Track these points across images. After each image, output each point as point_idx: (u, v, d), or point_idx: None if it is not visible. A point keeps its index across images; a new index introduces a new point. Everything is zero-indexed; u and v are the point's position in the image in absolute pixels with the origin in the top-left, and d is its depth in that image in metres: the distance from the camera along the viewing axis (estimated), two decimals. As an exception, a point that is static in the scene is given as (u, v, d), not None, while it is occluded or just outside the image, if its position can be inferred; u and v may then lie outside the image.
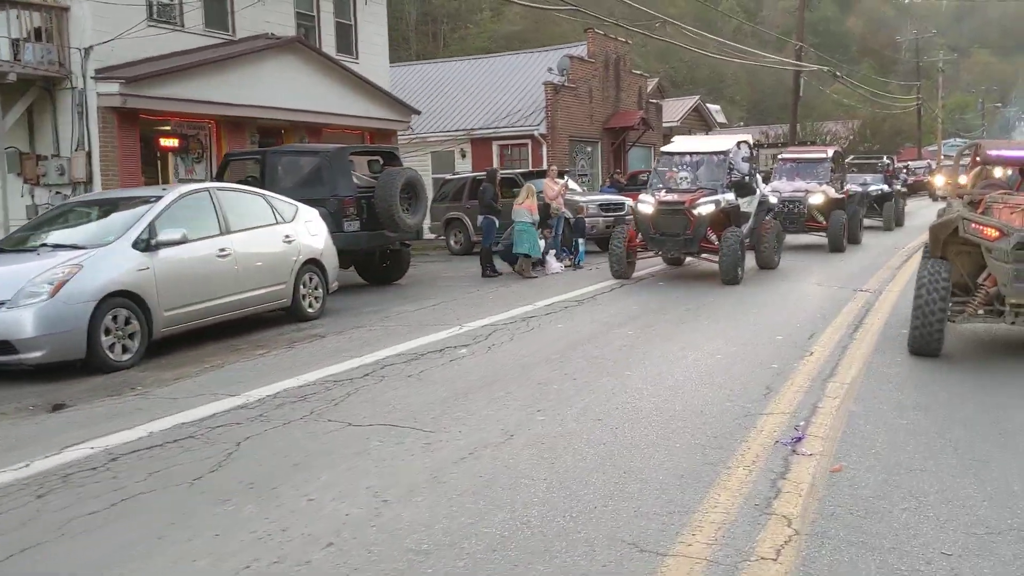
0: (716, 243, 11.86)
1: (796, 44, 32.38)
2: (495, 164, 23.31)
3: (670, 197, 11.91)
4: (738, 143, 13.17)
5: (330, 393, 6.20)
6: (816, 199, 16.48)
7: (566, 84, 23.04)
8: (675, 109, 35.74)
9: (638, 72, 28.17)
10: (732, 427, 5.29)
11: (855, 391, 6.19)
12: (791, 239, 17.68)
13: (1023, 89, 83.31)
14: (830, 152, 18.14)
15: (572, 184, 19.00)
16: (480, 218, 14.36)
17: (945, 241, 7.04)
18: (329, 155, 12.27)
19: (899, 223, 22.47)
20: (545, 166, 21.41)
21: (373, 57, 19.79)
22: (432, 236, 20.43)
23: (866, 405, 5.79)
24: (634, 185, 21.14)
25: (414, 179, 12.59)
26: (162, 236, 8.09)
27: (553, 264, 14.05)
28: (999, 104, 79.50)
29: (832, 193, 16.73)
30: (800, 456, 4.79)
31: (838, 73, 36.41)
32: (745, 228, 12.46)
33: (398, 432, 5.21)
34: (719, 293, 11.02)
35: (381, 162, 13.35)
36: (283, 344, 8.52)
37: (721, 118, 46.28)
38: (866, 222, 22.11)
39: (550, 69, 22.93)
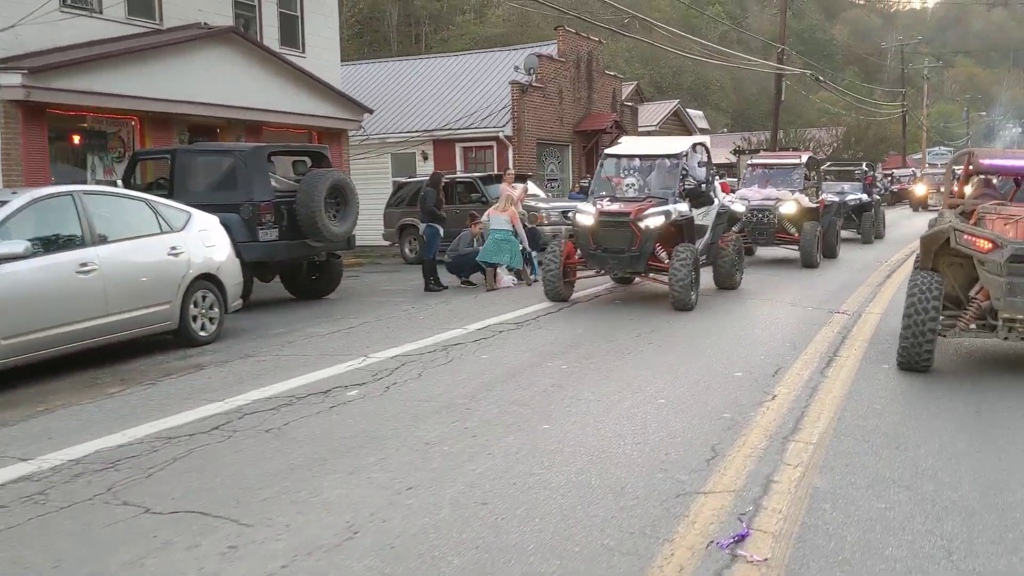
0: (667, 261, 10.26)
1: (778, 47, 31.28)
2: (459, 167, 22.02)
3: (613, 207, 10.30)
4: (693, 145, 11.59)
5: (152, 457, 4.84)
6: (787, 208, 14.99)
7: (534, 84, 21.75)
8: (653, 113, 34.55)
9: (612, 73, 26.90)
10: (657, 515, 4.00)
11: (822, 454, 4.91)
12: (762, 252, 16.44)
13: (1007, 98, 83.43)
14: (804, 158, 16.58)
15: (535, 189, 17.70)
16: (422, 226, 13.02)
17: (936, 253, 6.77)
18: (244, 155, 10.90)
19: (879, 235, 21.08)
20: (512, 169, 20.22)
21: (322, 51, 18.43)
22: (387, 243, 19.11)
23: (835, 479, 4.51)
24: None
25: (342, 182, 11.24)
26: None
27: (504, 278, 12.73)
28: (983, 113, 79.31)
29: (805, 202, 15.24)
30: (742, 564, 3.51)
31: (820, 78, 35.34)
32: (701, 243, 10.91)
33: (204, 525, 3.86)
34: (674, 317, 9.71)
35: (309, 163, 11.98)
36: (152, 377, 7.16)
37: (703, 123, 45.17)
38: (843, 234, 20.94)
39: (517, 68, 21.62)
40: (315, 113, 17.45)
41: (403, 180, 18.94)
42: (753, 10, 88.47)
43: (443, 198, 13.35)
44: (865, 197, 20.56)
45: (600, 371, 7.00)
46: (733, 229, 12.32)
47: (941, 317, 6.61)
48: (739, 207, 14.65)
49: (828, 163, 25.86)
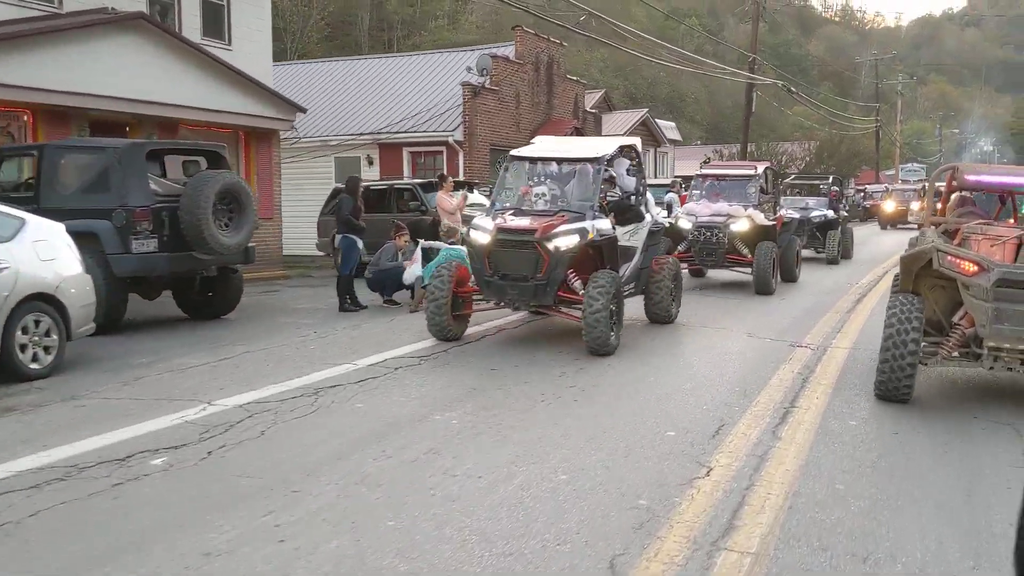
0: (581, 292, 8.12)
1: (750, 56, 30.22)
2: (406, 173, 20.56)
3: (515, 223, 8.10)
4: (621, 148, 9.45)
5: None
6: (739, 226, 12.99)
7: (487, 86, 20.35)
8: (620, 122, 33.31)
9: (574, 78, 25.59)
10: None
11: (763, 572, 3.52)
12: (715, 274, 14.83)
13: (978, 115, 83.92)
14: (760, 168, 14.45)
15: (479, 198, 16.26)
16: (337, 237, 11.51)
17: (918, 274, 6.36)
18: (119, 152, 9.36)
19: (846, 255, 19.40)
20: (462, 176, 18.84)
21: (251, 45, 16.92)
22: (322, 254, 17.57)
23: (774, 627, 3.11)
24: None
25: (234, 186, 9.74)
26: None
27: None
28: (956, 130, 79.61)
29: (760, 219, 13.24)
30: None
31: (792, 89, 34.35)
32: (628, 268, 9.01)
33: None
34: (604, 356, 8.33)
35: (204, 165, 10.46)
36: (-69, 428, 5.62)
37: (675, 135, 44.10)
38: (807, 254, 19.48)
39: (469, 68, 20.23)
40: (241, 111, 15.92)
41: (337, 186, 17.43)
42: (729, 24, 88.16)
43: (362, 206, 11.85)
44: (831, 213, 19.03)
45: (497, 429, 5.56)
46: (679, 248, 10.98)
47: (923, 343, 6.14)
48: (685, 224, 13.14)
49: (792, 176, 24.63)
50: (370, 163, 20.83)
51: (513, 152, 9.35)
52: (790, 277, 14.23)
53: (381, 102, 22.14)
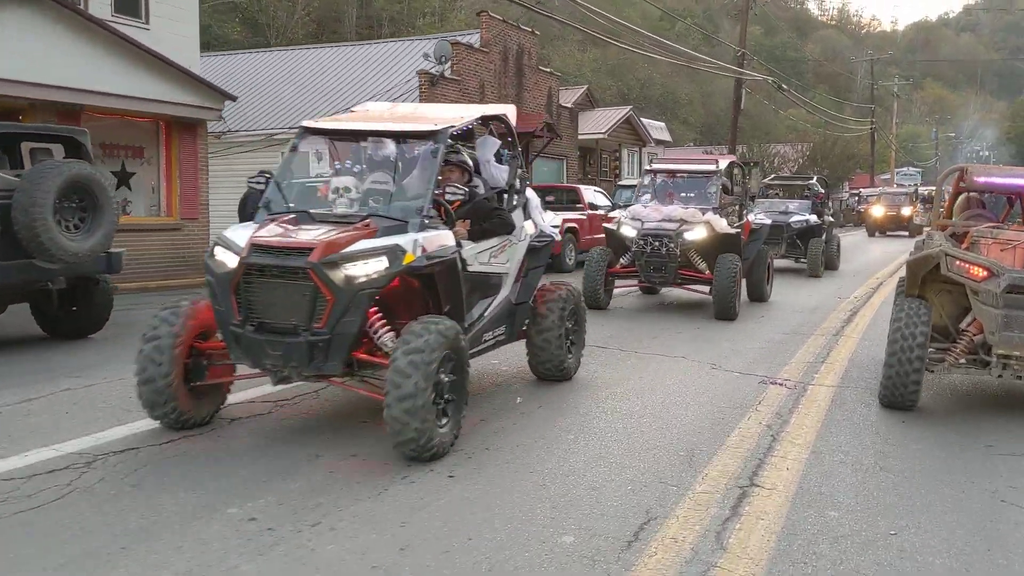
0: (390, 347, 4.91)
1: (739, 51, 28.57)
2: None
3: (280, 236, 4.91)
4: (484, 120, 6.39)
5: None
6: (695, 234, 10.56)
7: (447, 75, 18.61)
8: (602, 120, 31.60)
9: (548, 70, 23.85)
10: None
11: None
12: (667, 292, 12.74)
13: (973, 120, 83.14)
14: (723, 163, 11.89)
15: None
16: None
17: (925, 279, 6.25)
18: (-66, 137, 7.60)
19: (831, 266, 17.11)
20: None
21: (173, 24, 15.16)
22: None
23: None
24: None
25: (85, 179, 7.95)
26: None
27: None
28: (952, 134, 78.79)
29: (721, 226, 10.80)
30: None
31: (784, 87, 32.70)
32: (489, 307, 5.98)
33: None
34: (496, 409, 6.60)
35: (63, 154, 8.68)
36: None
37: (664, 135, 42.41)
38: (786, 264, 17.44)
39: (426, 55, 18.49)
40: (160, 99, 14.14)
41: (255, 182, 15.65)
42: (724, 27, 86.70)
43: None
44: (814, 219, 16.82)
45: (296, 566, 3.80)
46: (622, 261, 8.85)
47: (930, 349, 6.04)
48: (628, 231, 10.76)
49: (771, 177, 22.80)
50: (319, 159, 19.04)
51: (307, 123, 5.95)
52: (758, 296, 12.08)
53: (335, 93, 20.40)
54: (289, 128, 19.47)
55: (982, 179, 6.92)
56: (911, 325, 5.85)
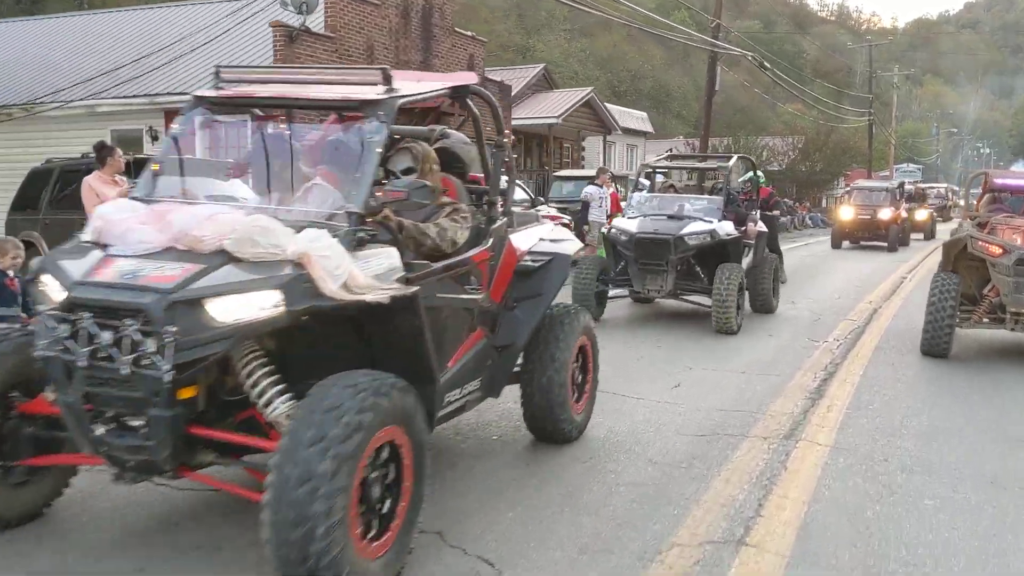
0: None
1: (712, 20, 24.27)
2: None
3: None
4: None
5: None
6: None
7: (313, 30, 14.36)
8: (556, 103, 27.34)
9: (468, 32, 19.52)
10: None
11: None
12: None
13: (973, 118, 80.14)
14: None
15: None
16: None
17: (956, 256, 8.09)
18: None
19: (763, 307, 10.47)
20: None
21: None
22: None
23: None
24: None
25: None
26: None
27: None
28: (954, 130, 75.94)
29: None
30: None
31: (766, 64, 28.49)
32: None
33: None
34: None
35: None
36: None
37: (647, 126, 38.01)
38: (675, 305, 10.74)
39: (284, 3, 14.21)
40: None
41: (41, 163, 11.58)
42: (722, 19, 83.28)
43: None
44: (727, 228, 9.76)
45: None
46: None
47: (959, 311, 7.86)
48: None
49: (659, 156, 16.46)
50: (154, 138, 14.82)
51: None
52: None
53: (173, 58, 16.05)
54: (116, 99, 15.24)
55: (1000, 181, 9.02)
56: (945, 290, 7.75)
